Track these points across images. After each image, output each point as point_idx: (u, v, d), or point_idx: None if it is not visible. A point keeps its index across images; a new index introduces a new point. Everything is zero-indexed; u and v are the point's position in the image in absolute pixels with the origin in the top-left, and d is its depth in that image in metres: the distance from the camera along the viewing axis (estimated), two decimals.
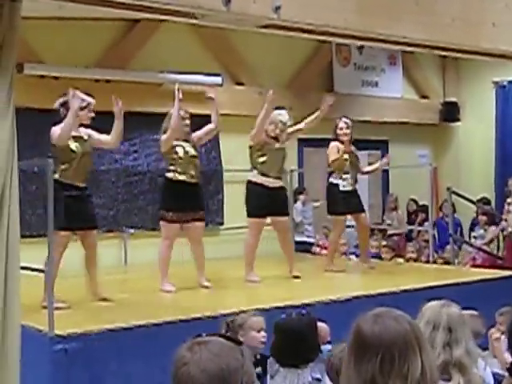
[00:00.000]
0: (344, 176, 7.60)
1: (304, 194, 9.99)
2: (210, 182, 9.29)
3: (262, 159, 6.92)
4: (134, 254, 8.67)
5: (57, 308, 4.82)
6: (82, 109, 5.77)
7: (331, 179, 7.69)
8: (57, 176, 5.54)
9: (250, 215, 6.94)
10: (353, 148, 7.78)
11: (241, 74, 9.84)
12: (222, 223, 9.60)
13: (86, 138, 5.92)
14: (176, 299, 6.16)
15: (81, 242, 5.81)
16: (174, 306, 5.85)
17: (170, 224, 6.40)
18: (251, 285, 6.78)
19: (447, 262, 8.53)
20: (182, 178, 6.43)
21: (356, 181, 7.74)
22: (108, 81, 8.57)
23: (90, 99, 5.86)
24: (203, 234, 6.69)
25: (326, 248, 9.35)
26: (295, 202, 9.99)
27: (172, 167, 6.48)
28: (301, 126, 7.43)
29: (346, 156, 7.61)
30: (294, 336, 3.35)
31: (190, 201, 6.42)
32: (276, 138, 7.03)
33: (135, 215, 8.95)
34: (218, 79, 9.22)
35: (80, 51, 8.48)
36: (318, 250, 9.63)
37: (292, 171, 10.06)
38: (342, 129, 7.69)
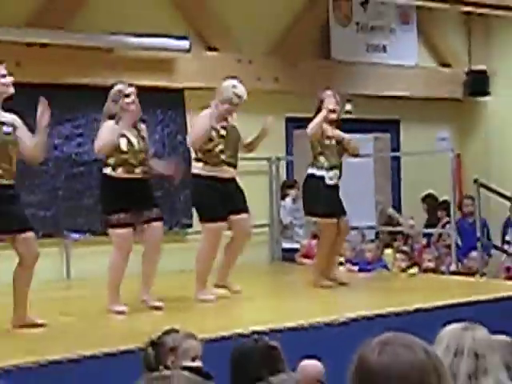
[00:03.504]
0: (326, 166, 7.33)
1: (295, 188, 9.94)
2: None
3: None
4: (78, 266, 8.63)
5: None
6: None
7: (312, 170, 7.45)
8: None
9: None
10: (340, 133, 7.49)
11: (214, 37, 9.81)
12: (190, 225, 9.57)
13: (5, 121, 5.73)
14: (130, 323, 6.12)
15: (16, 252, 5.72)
16: (128, 331, 5.83)
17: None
18: (223, 304, 6.77)
19: (472, 273, 8.57)
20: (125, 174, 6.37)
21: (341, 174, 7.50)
22: (43, 45, 8.51)
23: None
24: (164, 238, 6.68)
25: (306, 256, 9.32)
26: (283, 198, 9.97)
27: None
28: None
29: (327, 142, 7.39)
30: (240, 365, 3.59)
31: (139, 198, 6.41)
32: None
33: (80, 216, 8.91)
34: (185, 43, 9.19)
35: (7, 7, 8.42)
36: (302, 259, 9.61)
37: (279, 159, 10.07)
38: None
